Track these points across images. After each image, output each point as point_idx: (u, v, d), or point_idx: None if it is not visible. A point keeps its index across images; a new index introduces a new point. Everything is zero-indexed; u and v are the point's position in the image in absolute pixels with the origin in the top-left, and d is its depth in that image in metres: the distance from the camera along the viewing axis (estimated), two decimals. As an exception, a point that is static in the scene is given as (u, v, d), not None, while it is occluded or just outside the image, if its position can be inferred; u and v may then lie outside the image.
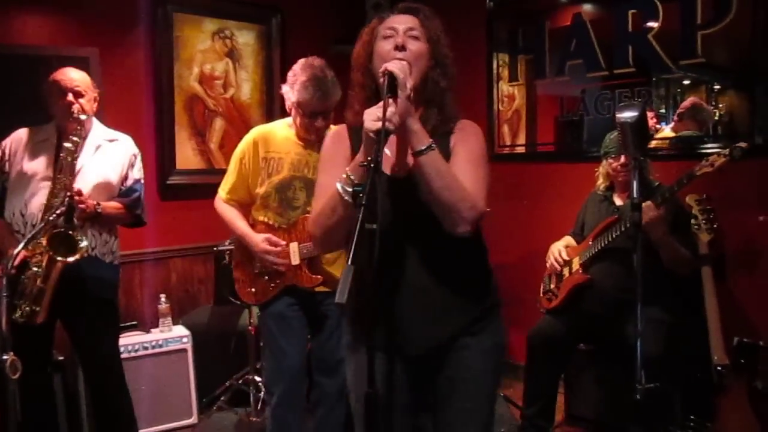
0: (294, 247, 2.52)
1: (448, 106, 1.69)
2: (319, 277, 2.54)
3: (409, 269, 1.61)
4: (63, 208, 2.26)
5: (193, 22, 3.81)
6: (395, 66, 1.50)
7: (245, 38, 4.03)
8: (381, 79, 1.51)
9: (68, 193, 2.35)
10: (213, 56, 3.90)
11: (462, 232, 1.54)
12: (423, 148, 1.50)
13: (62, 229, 2.37)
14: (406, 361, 1.67)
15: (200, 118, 3.88)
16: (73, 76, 2.59)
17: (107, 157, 2.68)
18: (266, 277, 2.57)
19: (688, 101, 3.23)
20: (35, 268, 2.40)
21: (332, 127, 2.58)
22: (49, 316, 2.53)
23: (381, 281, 1.55)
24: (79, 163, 2.55)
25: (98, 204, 2.55)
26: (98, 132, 2.71)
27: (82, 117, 2.51)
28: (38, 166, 2.57)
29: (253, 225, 2.61)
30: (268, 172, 2.55)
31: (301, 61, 2.54)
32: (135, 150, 2.79)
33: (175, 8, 3.71)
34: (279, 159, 2.55)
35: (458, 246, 1.60)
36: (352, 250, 1.25)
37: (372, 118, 1.43)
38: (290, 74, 2.51)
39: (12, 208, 2.57)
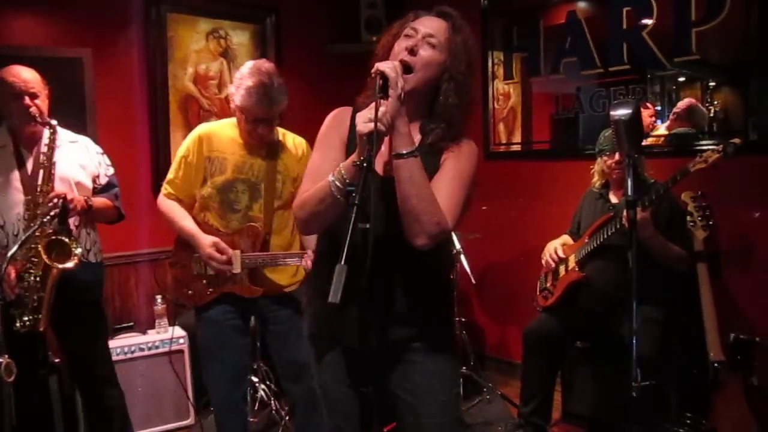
0: (236, 255, 2.46)
1: (458, 125, 1.66)
2: (259, 288, 2.50)
3: (386, 269, 1.61)
4: (57, 210, 2.25)
5: (187, 22, 3.80)
6: (386, 66, 1.50)
7: (240, 38, 4.03)
8: (373, 78, 1.50)
9: (62, 196, 2.34)
10: (207, 56, 3.89)
11: (420, 245, 1.53)
12: (404, 152, 1.49)
13: (57, 237, 2.36)
14: (362, 357, 1.68)
15: (195, 118, 3.86)
16: (26, 77, 2.49)
17: (72, 157, 2.63)
18: (204, 281, 2.54)
19: (685, 102, 3.23)
20: (32, 279, 2.38)
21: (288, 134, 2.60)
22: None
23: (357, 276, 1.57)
24: None
25: (89, 198, 2.54)
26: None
27: (54, 122, 2.46)
28: (3, 175, 2.51)
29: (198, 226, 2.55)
30: (211, 171, 2.49)
31: (250, 63, 2.46)
32: (98, 148, 2.77)
33: (169, 8, 3.70)
34: (223, 159, 2.49)
35: (428, 253, 1.60)
36: (345, 250, 1.24)
37: (363, 120, 1.42)
38: (237, 75, 2.43)
39: None
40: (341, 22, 4.40)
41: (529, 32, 3.86)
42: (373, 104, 1.42)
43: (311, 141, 2.69)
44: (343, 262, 1.23)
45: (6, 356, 1.84)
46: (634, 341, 1.51)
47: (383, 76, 1.47)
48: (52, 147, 2.45)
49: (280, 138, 2.59)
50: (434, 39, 1.61)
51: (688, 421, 2.71)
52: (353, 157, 1.49)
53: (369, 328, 1.61)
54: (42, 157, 2.45)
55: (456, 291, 3.58)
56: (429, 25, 1.63)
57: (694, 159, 2.62)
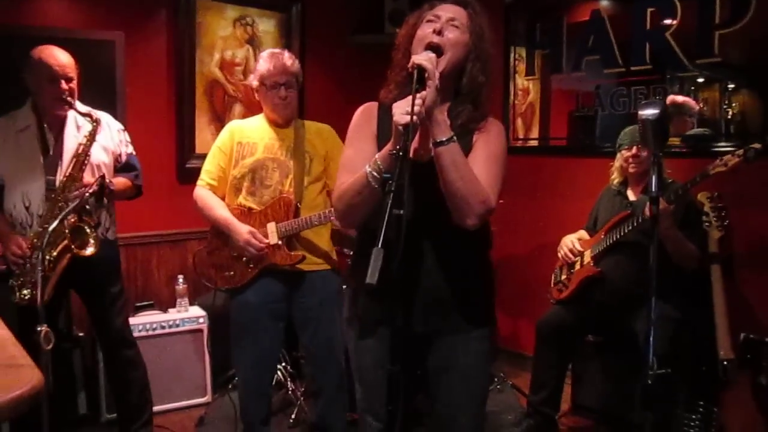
0: (272, 227, 2.57)
1: (483, 104, 1.73)
2: (299, 253, 2.59)
3: (421, 252, 1.68)
4: (95, 188, 2.33)
5: (215, 8, 3.86)
6: (423, 58, 1.55)
7: (266, 26, 4.08)
8: (410, 71, 1.56)
9: (101, 175, 2.43)
10: (234, 43, 3.96)
11: (470, 225, 1.60)
12: (443, 139, 1.55)
13: (80, 224, 2.46)
14: (405, 340, 1.71)
15: (220, 103, 3.94)
16: (64, 61, 2.54)
17: (96, 139, 2.67)
18: (244, 259, 2.61)
19: (681, 98, 3.27)
20: (47, 257, 2.43)
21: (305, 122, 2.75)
22: (59, 292, 2.61)
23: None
24: (65, 146, 2.58)
25: (110, 182, 2.61)
26: (78, 111, 2.65)
27: (96, 115, 2.53)
28: (27, 156, 2.56)
29: (230, 210, 2.65)
30: (243, 154, 2.63)
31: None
32: (119, 125, 2.83)
33: (199, -6, 3.76)
34: (253, 143, 2.64)
35: (469, 236, 1.66)
36: (381, 235, 1.31)
37: (401, 111, 1.48)
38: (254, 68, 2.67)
39: (12, 201, 2.57)
40: (365, 13, 4.45)
41: (552, 29, 3.88)
42: (410, 96, 1.47)
43: (333, 125, 2.78)
44: (379, 246, 1.29)
45: (45, 326, 1.90)
46: (651, 330, 1.56)
47: (420, 69, 1.52)
48: (91, 141, 2.52)
49: (304, 125, 2.73)
50: (457, 21, 1.68)
51: (701, 409, 2.75)
52: (388, 147, 1.54)
53: (412, 311, 1.67)
54: (80, 148, 2.51)
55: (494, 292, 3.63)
56: (450, 10, 1.70)
57: (714, 161, 2.66)
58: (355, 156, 1.71)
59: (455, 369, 1.75)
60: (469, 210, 1.58)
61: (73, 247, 2.43)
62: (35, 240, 2.46)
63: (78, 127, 2.65)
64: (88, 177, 2.54)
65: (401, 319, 1.65)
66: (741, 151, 2.60)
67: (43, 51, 2.55)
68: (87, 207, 2.42)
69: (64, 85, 2.51)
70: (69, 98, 2.51)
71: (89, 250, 2.46)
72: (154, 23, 3.68)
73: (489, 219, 1.70)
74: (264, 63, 2.60)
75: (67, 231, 2.43)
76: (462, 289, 1.73)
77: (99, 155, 2.67)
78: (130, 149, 2.83)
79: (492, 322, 1.85)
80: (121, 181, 2.72)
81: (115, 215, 2.84)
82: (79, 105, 2.62)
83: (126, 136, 2.83)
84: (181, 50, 3.74)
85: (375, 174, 1.56)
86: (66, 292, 2.80)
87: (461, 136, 1.62)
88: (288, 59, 2.61)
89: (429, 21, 1.70)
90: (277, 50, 2.68)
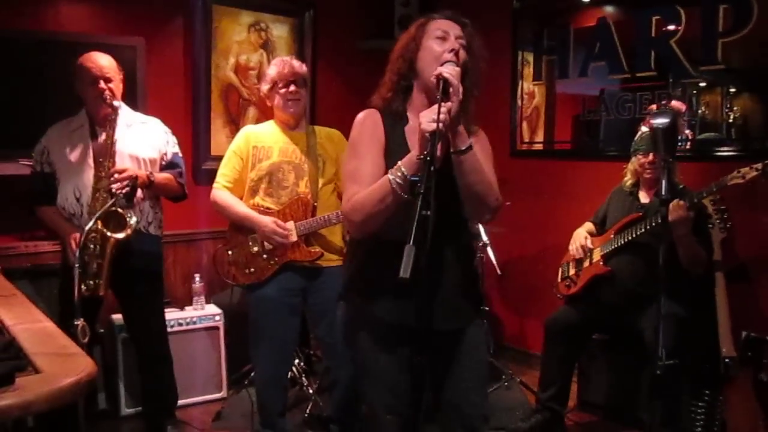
0: (291, 225, 2.70)
1: (472, 111, 1.84)
2: (317, 249, 2.72)
3: (441, 253, 1.80)
4: (127, 189, 2.43)
5: (230, 14, 3.95)
6: (449, 72, 1.65)
7: (279, 31, 4.18)
8: (434, 81, 1.67)
9: (134, 175, 2.54)
10: (248, 47, 4.05)
11: (486, 221, 1.80)
12: (465, 147, 1.66)
13: (113, 209, 2.53)
14: (423, 337, 1.81)
15: (235, 106, 4.04)
16: (103, 63, 2.69)
17: (141, 135, 2.82)
18: (265, 256, 2.74)
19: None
20: (92, 246, 2.55)
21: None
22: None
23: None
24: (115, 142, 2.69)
25: (151, 173, 2.73)
26: (128, 114, 2.83)
27: (116, 103, 2.64)
28: (79, 152, 2.72)
29: None
30: (259, 158, 2.76)
31: None
32: (166, 128, 2.96)
33: (215, 0, 3.86)
34: (268, 147, 2.78)
35: (468, 238, 1.87)
36: (413, 234, 1.40)
37: (428, 119, 1.58)
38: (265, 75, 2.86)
39: (65, 194, 2.71)
40: (375, 19, 4.54)
41: (560, 35, 3.96)
42: (435, 105, 1.58)
43: (343, 129, 2.90)
44: (411, 243, 1.39)
45: (81, 319, 1.99)
46: (660, 326, 1.65)
47: (446, 82, 1.62)
48: (113, 126, 2.63)
49: (314, 129, 2.87)
50: (463, 41, 1.80)
51: (706, 398, 2.84)
52: (411, 155, 1.65)
53: (436, 309, 1.79)
54: (105, 136, 2.64)
55: (482, 281, 3.73)
56: (454, 27, 1.81)
57: (719, 165, 2.74)
58: (364, 166, 1.76)
59: (466, 356, 1.89)
60: (487, 208, 1.76)
61: (105, 230, 2.52)
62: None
63: (128, 126, 2.79)
64: (126, 164, 2.66)
65: (425, 317, 1.74)
66: (760, 165, 2.64)
67: (84, 56, 2.71)
68: (118, 209, 2.50)
69: (102, 84, 2.66)
70: (109, 97, 2.64)
71: (123, 234, 2.53)
72: (172, 29, 3.78)
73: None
74: (275, 67, 2.79)
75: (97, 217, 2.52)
76: (471, 285, 1.91)
77: (146, 151, 2.80)
78: (176, 149, 2.96)
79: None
80: (163, 175, 2.82)
81: (162, 212, 2.93)
82: (125, 107, 2.78)
83: (172, 138, 2.96)
84: (198, 55, 3.83)
85: (399, 181, 1.63)
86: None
87: None
88: (297, 63, 2.81)
89: (439, 37, 1.79)
90: (286, 57, 2.87)
